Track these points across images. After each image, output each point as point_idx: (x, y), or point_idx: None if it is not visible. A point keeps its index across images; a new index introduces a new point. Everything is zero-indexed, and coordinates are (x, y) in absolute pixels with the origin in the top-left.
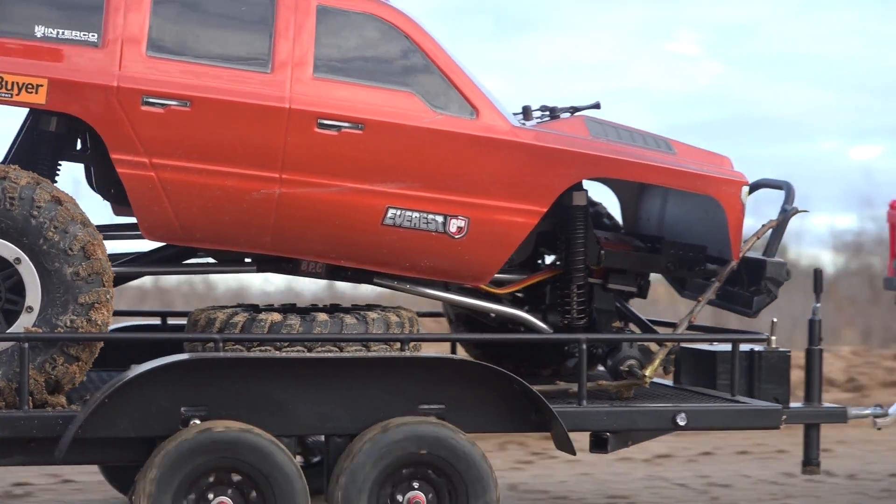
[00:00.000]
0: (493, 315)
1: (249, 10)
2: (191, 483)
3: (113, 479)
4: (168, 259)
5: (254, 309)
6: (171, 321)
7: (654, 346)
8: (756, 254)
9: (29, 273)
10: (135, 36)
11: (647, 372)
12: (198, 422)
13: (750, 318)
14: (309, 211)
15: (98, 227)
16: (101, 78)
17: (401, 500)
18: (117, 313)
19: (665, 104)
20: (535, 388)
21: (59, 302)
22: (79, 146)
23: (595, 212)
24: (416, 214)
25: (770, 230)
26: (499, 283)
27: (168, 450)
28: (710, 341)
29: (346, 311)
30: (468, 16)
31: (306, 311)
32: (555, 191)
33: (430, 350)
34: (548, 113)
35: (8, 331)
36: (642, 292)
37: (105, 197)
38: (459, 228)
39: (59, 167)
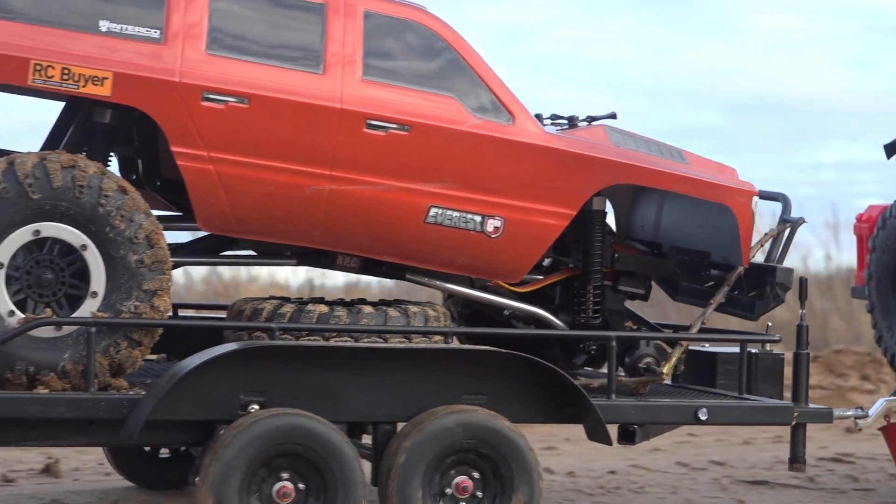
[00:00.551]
0: (506, 312)
1: (301, 12)
2: (257, 467)
3: (118, 465)
4: (206, 250)
5: (299, 301)
6: (180, 312)
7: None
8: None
9: (94, 259)
10: (195, 33)
11: (665, 369)
12: (256, 407)
13: (752, 322)
14: (356, 207)
15: None
16: (164, 73)
17: (450, 485)
18: None
19: None
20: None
21: (124, 288)
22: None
23: None
24: (456, 213)
25: (771, 239)
26: (518, 283)
27: (237, 433)
28: (730, 342)
29: (388, 304)
30: None
31: (350, 304)
32: (584, 195)
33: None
34: (566, 121)
35: (73, 315)
36: (646, 295)
37: (151, 189)
38: (496, 228)
39: (111, 158)
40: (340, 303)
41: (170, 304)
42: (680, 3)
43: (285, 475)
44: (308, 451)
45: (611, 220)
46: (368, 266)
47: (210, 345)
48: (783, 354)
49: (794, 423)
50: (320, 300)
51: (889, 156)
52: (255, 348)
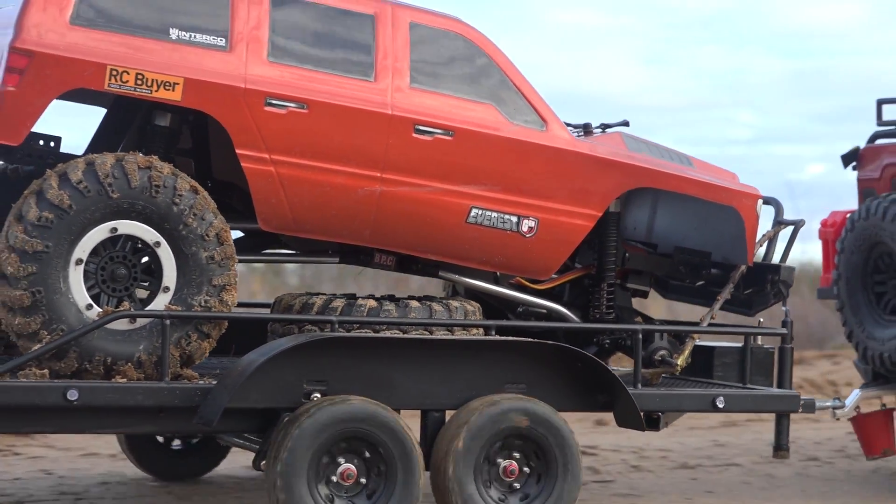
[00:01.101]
0: (520, 309)
1: (354, 23)
2: (323, 452)
3: (133, 454)
4: (250, 248)
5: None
6: None
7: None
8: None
9: (167, 256)
10: (257, 42)
11: (679, 361)
12: (318, 395)
13: (748, 317)
14: (404, 208)
15: None
16: (230, 79)
17: (497, 468)
18: None
19: None
20: None
21: (195, 283)
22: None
23: None
24: (494, 214)
25: (768, 240)
26: (534, 280)
27: (308, 420)
28: (744, 335)
29: (432, 299)
30: None
31: (397, 300)
32: (610, 197)
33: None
34: (581, 129)
35: (146, 309)
36: (648, 292)
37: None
38: (530, 228)
39: (171, 160)
40: (389, 298)
41: (236, 298)
42: None
43: (348, 458)
44: (371, 434)
45: None
46: (403, 264)
47: (255, 339)
48: (773, 349)
49: (799, 410)
50: (370, 296)
51: (846, 165)
52: (320, 340)
